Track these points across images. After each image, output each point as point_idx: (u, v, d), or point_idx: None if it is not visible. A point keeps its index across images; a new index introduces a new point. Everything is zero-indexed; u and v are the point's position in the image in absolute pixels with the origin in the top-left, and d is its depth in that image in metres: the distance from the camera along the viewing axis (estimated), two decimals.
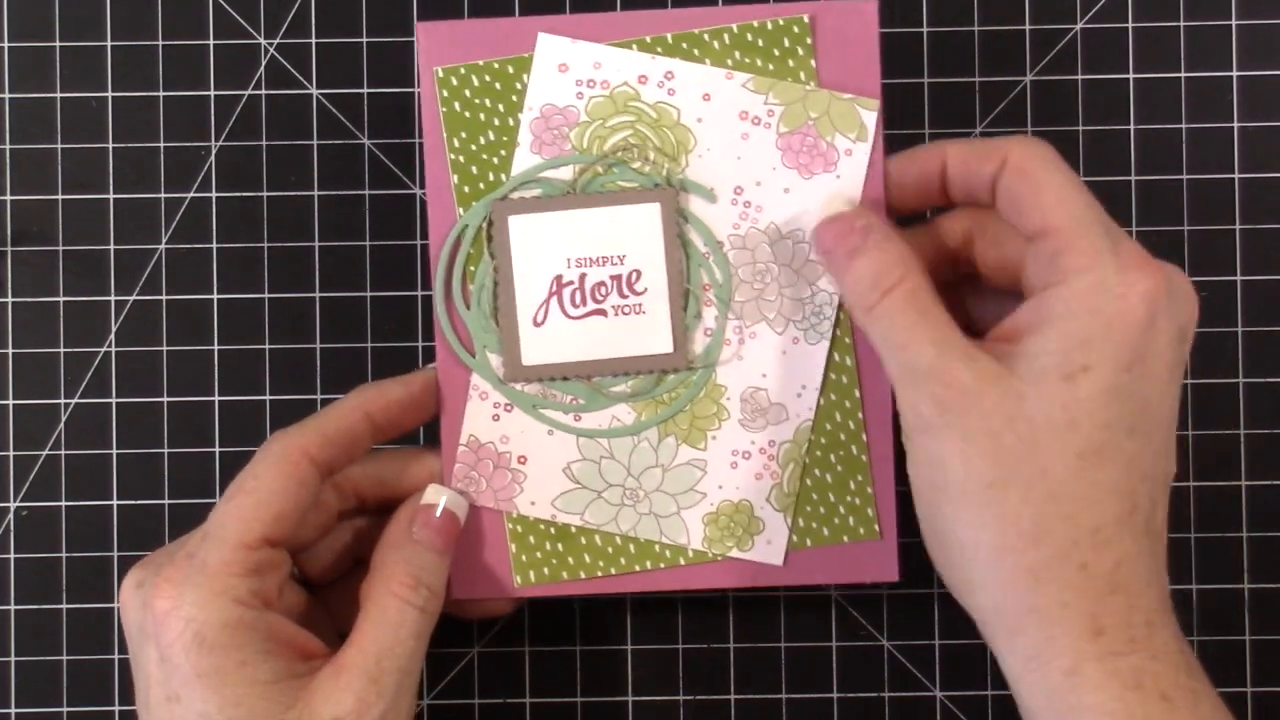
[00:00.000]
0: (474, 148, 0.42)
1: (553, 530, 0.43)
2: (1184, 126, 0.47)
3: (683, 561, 0.43)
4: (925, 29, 0.47)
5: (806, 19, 0.41)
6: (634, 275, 0.42)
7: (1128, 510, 0.35)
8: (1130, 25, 0.47)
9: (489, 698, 0.47)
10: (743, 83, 0.42)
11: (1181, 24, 0.47)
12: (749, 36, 0.42)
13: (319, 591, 0.43)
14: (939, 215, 0.42)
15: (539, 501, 0.43)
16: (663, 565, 0.43)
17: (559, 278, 0.42)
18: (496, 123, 0.42)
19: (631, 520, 0.43)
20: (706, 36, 0.42)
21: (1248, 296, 0.47)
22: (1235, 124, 0.47)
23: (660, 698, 0.47)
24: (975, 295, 0.43)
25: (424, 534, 0.40)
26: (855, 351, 0.42)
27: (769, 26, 0.42)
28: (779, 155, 0.42)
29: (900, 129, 0.47)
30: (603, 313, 0.42)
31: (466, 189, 0.42)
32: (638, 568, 0.43)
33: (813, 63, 0.42)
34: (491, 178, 0.42)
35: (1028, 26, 0.47)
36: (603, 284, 0.42)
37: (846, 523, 0.42)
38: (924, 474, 0.37)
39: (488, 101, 0.42)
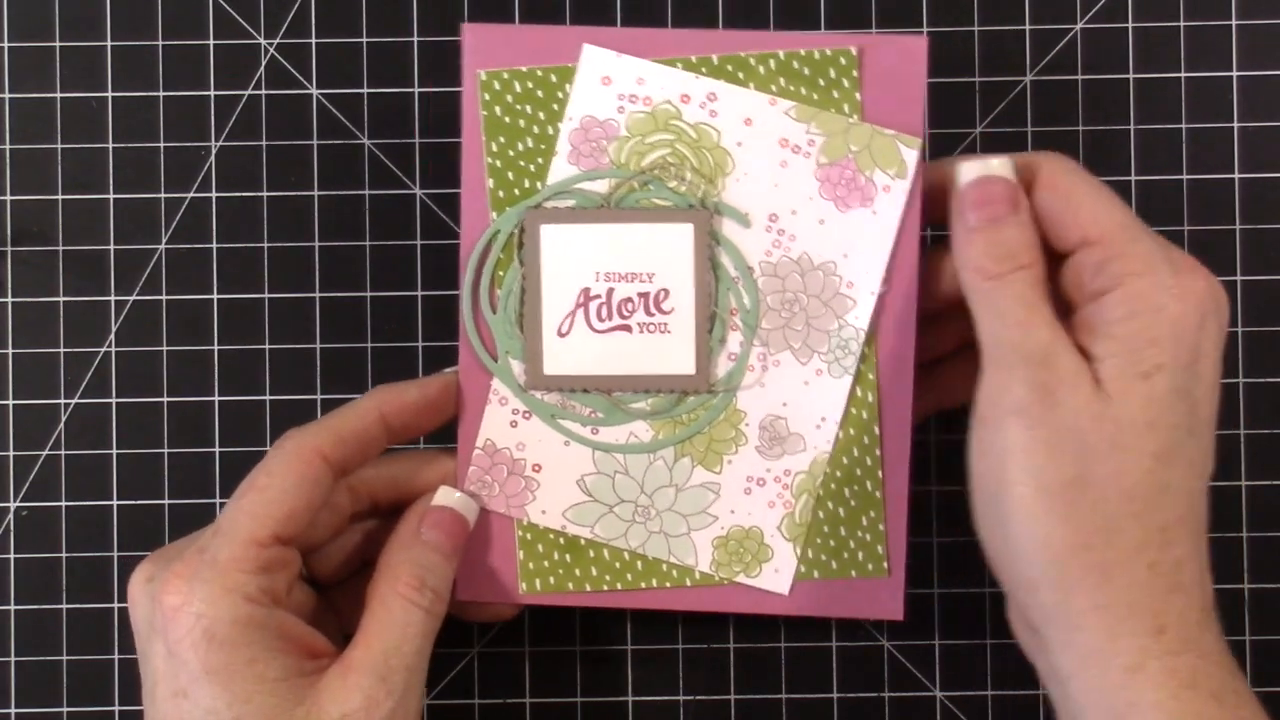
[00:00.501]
0: (511, 154, 0.42)
1: (562, 541, 0.43)
2: (1184, 126, 0.47)
3: (689, 583, 0.43)
4: (925, 29, 0.47)
5: (855, 51, 0.41)
6: (662, 294, 0.42)
7: (1187, 509, 0.36)
8: (1130, 25, 0.47)
9: (489, 698, 0.47)
10: (785, 110, 0.41)
11: (1181, 24, 0.47)
12: (795, 64, 0.41)
13: (326, 591, 0.43)
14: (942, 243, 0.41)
15: (550, 511, 0.43)
16: (668, 585, 0.43)
17: (586, 290, 0.42)
18: (536, 130, 0.42)
19: (641, 537, 0.43)
20: (753, 61, 0.41)
21: (1248, 296, 0.47)
22: (1235, 124, 0.47)
23: (660, 698, 0.47)
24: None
25: (432, 535, 0.40)
26: (879, 388, 0.42)
27: (816, 56, 0.41)
28: (817, 186, 0.41)
29: None
30: (628, 328, 0.42)
31: (501, 194, 0.42)
32: (643, 585, 0.43)
33: (858, 95, 0.41)
34: (527, 185, 0.42)
35: (1028, 26, 0.47)
36: (630, 300, 0.42)
37: (856, 557, 0.42)
38: (995, 463, 0.37)
39: (529, 108, 0.42)
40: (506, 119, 0.42)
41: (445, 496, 0.41)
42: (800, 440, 0.42)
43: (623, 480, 0.42)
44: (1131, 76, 0.47)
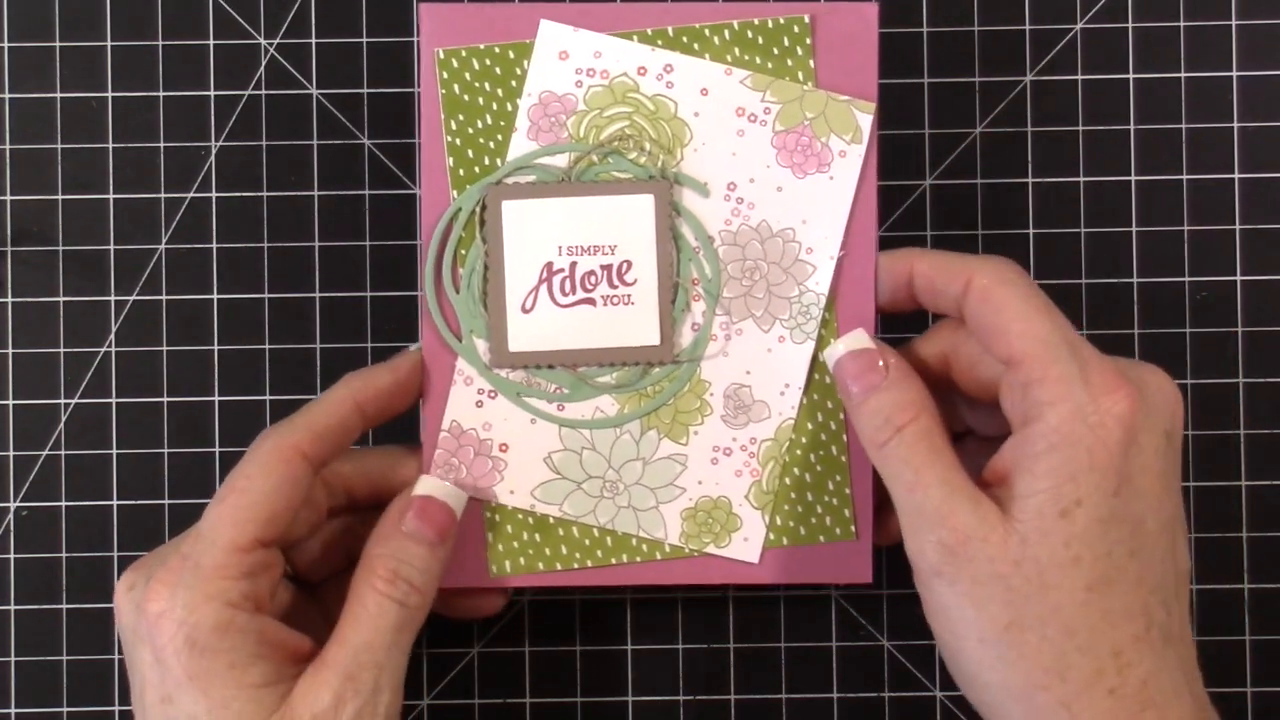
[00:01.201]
0: (470, 131, 0.42)
1: (530, 520, 0.43)
2: (1184, 126, 0.47)
3: (659, 556, 0.43)
4: (925, 29, 0.47)
5: (807, 19, 0.41)
6: (624, 266, 0.42)
7: (1143, 628, 0.36)
8: (1130, 25, 0.47)
9: (489, 698, 0.47)
10: (741, 79, 0.42)
11: (1181, 24, 0.47)
12: (749, 34, 0.42)
13: (313, 588, 0.43)
14: (914, 341, 0.41)
15: (518, 490, 0.43)
16: (639, 559, 0.43)
17: (550, 265, 0.42)
18: (495, 107, 0.42)
19: (610, 513, 0.43)
20: (707, 32, 0.42)
21: (1248, 296, 0.47)
22: (1235, 124, 0.47)
23: (660, 698, 0.47)
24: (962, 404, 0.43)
25: (413, 526, 0.40)
26: None
27: (769, 25, 0.42)
28: (774, 153, 0.42)
29: (900, 129, 0.47)
30: (591, 302, 0.42)
31: (461, 172, 0.42)
32: (614, 561, 0.43)
33: (811, 63, 0.42)
34: (487, 162, 0.42)
35: (1028, 26, 0.47)
36: (593, 273, 0.42)
37: (823, 522, 0.43)
38: (940, 620, 0.37)
39: (487, 85, 0.42)
40: (465, 97, 0.42)
41: (426, 485, 0.40)
42: (765, 408, 0.42)
43: (590, 456, 0.42)
44: (1131, 76, 0.47)
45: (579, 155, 0.42)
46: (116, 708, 0.47)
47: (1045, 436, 0.36)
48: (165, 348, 0.47)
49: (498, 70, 0.42)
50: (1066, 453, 0.36)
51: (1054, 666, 0.35)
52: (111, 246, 0.47)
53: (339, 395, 0.41)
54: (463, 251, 0.42)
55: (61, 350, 0.47)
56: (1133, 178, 0.47)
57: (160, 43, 0.47)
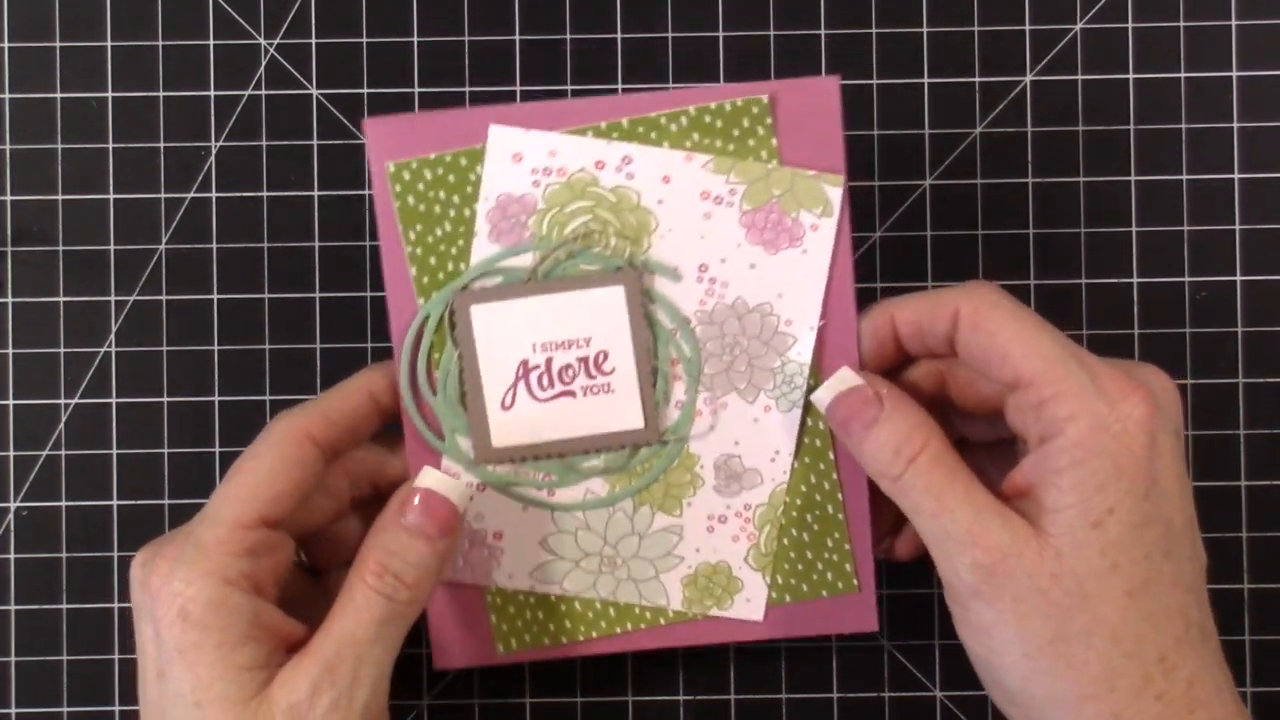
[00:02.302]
0: (430, 239, 0.41)
1: (532, 599, 0.43)
2: (1184, 126, 0.47)
3: (663, 621, 0.43)
4: (925, 29, 0.47)
5: (766, 99, 0.41)
6: (601, 356, 0.41)
7: (1183, 628, 0.36)
8: (1130, 25, 0.47)
9: (489, 698, 0.47)
10: (702, 164, 0.41)
11: (1181, 24, 0.47)
12: (707, 119, 0.41)
13: (327, 579, 0.43)
14: (907, 367, 0.41)
15: (516, 574, 0.43)
16: (643, 626, 0.43)
17: (525, 362, 0.41)
18: (452, 213, 0.41)
19: (610, 586, 0.43)
20: (664, 120, 0.41)
21: (1248, 296, 0.47)
22: (1235, 124, 0.47)
23: (660, 698, 0.47)
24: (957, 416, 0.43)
25: (412, 519, 0.39)
26: None
27: (727, 108, 0.41)
28: (743, 232, 0.41)
29: (900, 129, 0.47)
30: (571, 394, 0.41)
31: (425, 280, 0.41)
32: (619, 630, 0.43)
33: (774, 141, 0.41)
34: (451, 268, 0.41)
35: (1028, 26, 0.47)
36: (569, 366, 0.41)
37: (825, 578, 0.42)
38: (981, 639, 0.37)
39: (442, 194, 0.41)
40: (421, 206, 0.41)
41: (426, 478, 0.40)
42: (757, 475, 0.42)
43: (585, 535, 0.42)
44: (1131, 76, 0.47)
45: (544, 254, 0.41)
46: (116, 708, 0.47)
47: (1068, 451, 0.36)
48: (165, 348, 0.47)
49: (451, 178, 0.41)
50: (1093, 465, 0.35)
51: (1103, 675, 0.35)
52: (111, 246, 0.47)
53: (354, 385, 0.41)
54: (436, 355, 0.41)
55: (61, 350, 0.47)
56: (1133, 178, 0.47)
57: (160, 43, 0.47)
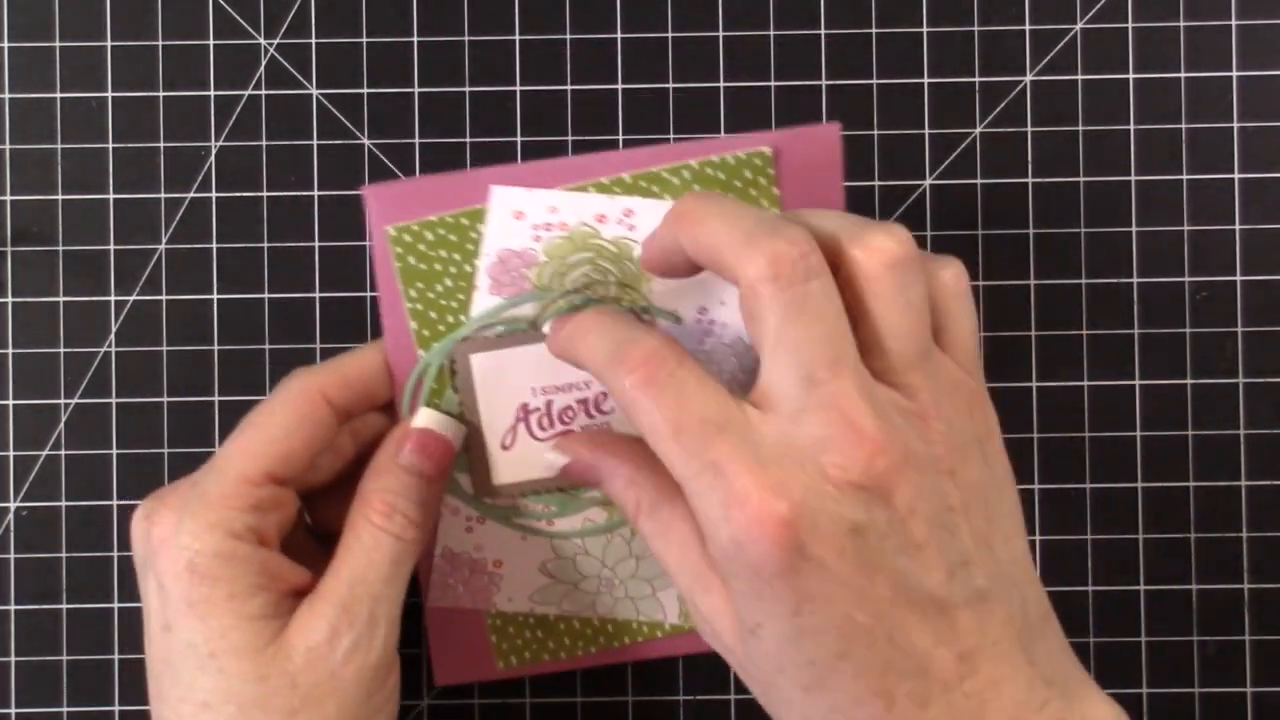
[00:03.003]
0: (431, 295, 0.41)
1: (532, 619, 0.43)
2: (1184, 126, 0.47)
3: (660, 635, 0.43)
4: (925, 29, 0.47)
5: (769, 151, 0.41)
6: (601, 397, 0.42)
7: (884, 706, 0.33)
8: (1130, 25, 0.47)
9: (489, 698, 0.47)
10: None
11: (1181, 24, 0.47)
12: (709, 171, 0.41)
13: (330, 540, 0.43)
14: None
15: (516, 598, 0.43)
16: (640, 639, 0.43)
17: (525, 405, 0.42)
18: (454, 270, 0.41)
19: (608, 605, 0.43)
20: (665, 174, 0.41)
21: (1248, 296, 0.47)
22: (1235, 124, 0.47)
23: (660, 698, 0.47)
24: None
25: (410, 458, 0.39)
26: None
27: (730, 161, 0.41)
28: None
29: (900, 129, 0.47)
30: (571, 433, 0.42)
31: (426, 333, 0.42)
32: (617, 644, 0.43)
33: (775, 191, 0.41)
34: (451, 320, 0.42)
35: (1028, 26, 0.47)
36: (569, 408, 0.42)
37: None
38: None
39: (443, 253, 0.41)
40: (422, 265, 0.41)
41: (424, 418, 0.40)
42: None
43: (584, 559, 0.43)
44: (1131, 76, 0.47)
45: (545, 303, 0.41)
46: (116, 708, 0.47)
47: (719, 560, 0.33)
48: (165, 348, 0.47)
49: (452, 238, 0.41)
50: (735, 581, 0.33)
51: None
52: (111, 246, 0.47)
53: (370, 350, 0.41)
54: (436, 400, 0.42)
55: (61, 350, 0.47)
56: (1133, 178, 0.47)
57: (160, 43, 0.47)
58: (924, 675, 0.33)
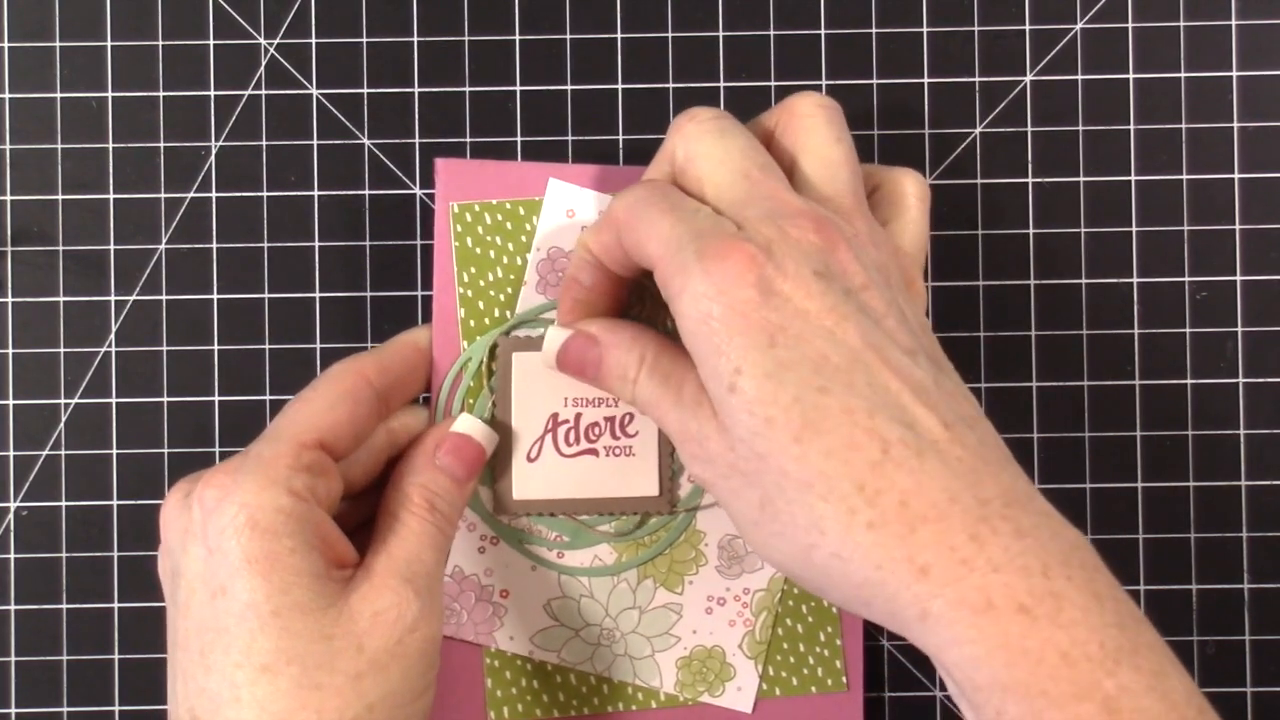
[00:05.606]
0: (482, 284, 0.42)
1: (529, 667, 0.43)
2: (1184, 126, 0.47)
3: (654, 705, 0.43)
4: (925, 29, 0.47)
5: None
6: (627, 418, 0.42)
7: (879, 451, 0.34)
8: (1130, 25, 0.47)
9: None
10: None
11: (1181, 24, 0.47)
12: None
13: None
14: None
15: (518, 637, 0.43)
16: (634, 708, 0.43)
17: (555, 415, 0.42)
18: (505, 260, 0.42)
19: (607, 660, 0.43)
20: None
21: (1248, 296, 0.47)
22: (1235, 124, 0.47)
23: None
24: None
25: (446, 460, 0.40)
26: None
27: None
28: None
29: (900, 129, 0.47)
30: (594, 452, 0.42)
31: (472, 323, 0.42)
32: (610, 709, 0.43)
33: None
34: (496, 314, 0.42)
35: (1028, 26, 0.47)
36: (596, 424, 0.42)
37: (815, 673, 0.43)
38: (735, 525, 0.37)
39: (498, 239, 0.42)
40: (477, 250, 0.42)
41: (465, 424, 0.41)
42: (758, 559, 0.43)
43: (588, 604, 0.43)
44: (1131, 76, 0.47)
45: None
46: (116, 708, 0.47)
47: (683, 327, 0.35)
48: (165, 348, 0.47)
49: (509, 225, 0.42)
50: (704, 333, 0.35)
51: (811, 522, 0.34)
52: (111, 246, 0.47)
53: (404, 339, 0.42)
54: (470, 400, 0.42)
55: (61, 350, 0.47)
56: (1133, 178, 0.47)
57: (160, 43, 0.47)
58: (913, 428, 0.34)
